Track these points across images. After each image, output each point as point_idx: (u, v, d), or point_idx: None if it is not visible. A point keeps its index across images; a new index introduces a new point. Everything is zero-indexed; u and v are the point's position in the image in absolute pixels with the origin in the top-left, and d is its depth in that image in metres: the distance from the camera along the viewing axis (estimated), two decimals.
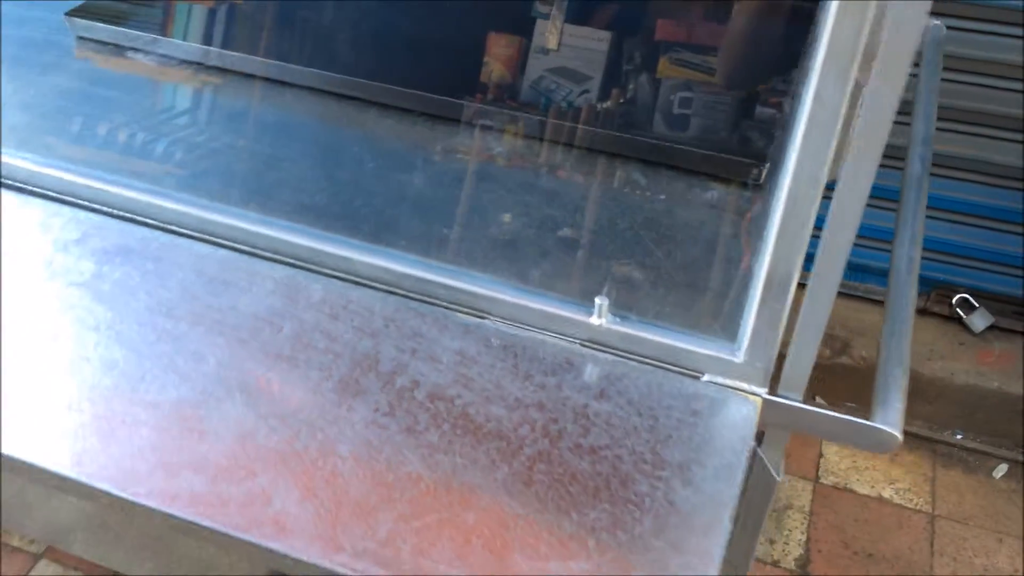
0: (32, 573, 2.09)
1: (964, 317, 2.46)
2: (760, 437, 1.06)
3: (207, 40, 1.48)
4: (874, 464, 2.39)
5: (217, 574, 1.49)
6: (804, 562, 2.17)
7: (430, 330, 1.06)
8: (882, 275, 2.46)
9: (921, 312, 2.53)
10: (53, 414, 0.93)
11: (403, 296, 1.09)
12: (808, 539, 2.22)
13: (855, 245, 2.51)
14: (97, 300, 1.06)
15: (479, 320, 1.08)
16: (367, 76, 1.38)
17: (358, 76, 1.39)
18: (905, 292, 1.16)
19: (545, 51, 1.37)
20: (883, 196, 2.28)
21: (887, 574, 2.15)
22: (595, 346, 1.05)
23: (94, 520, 1.80)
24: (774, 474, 1.07)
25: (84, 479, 0.87)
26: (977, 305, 2.44)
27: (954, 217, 2.36)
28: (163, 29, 1.51)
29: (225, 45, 1.47)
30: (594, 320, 1.03)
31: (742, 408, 0.99)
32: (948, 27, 1.90)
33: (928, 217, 2.30)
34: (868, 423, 0.97)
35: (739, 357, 0.99)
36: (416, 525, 0.86)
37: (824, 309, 0.91)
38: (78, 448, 0.90)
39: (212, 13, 1.51)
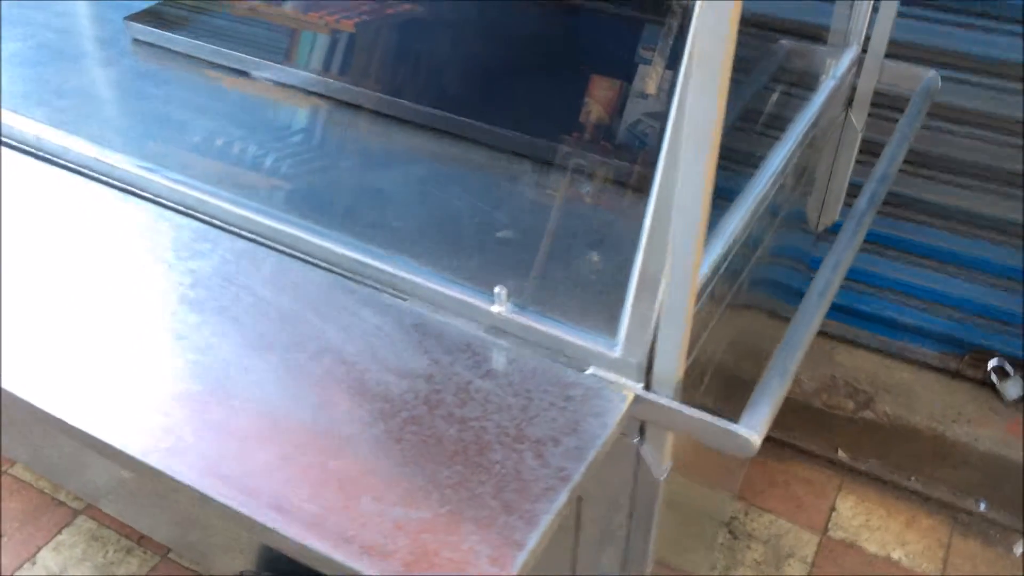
0: (73, 523, 2.30)
1: (997, 383, 2.40)
2: (643, 432, 1.12)
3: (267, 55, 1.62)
4: (888, 524, 2.35)
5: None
6: None
7: (356, 304, 1.18)
8: (919, 334, 2.44)
9: (954, 375, 2.48)
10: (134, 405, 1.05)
11: (339, 274, 1.22)
12: None
13: (890, 301, 2.55)
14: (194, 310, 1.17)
15: (401, 301, 1.19)
16: (432, 104, 1.46)
17: (428, 105, 1.47)
18: (812, 313, 1.20)
19: (644, 95, 1.44)
20: (922, 253, 2.28)
21: None
22: (496, 332, 1.14)
23: (127, 488, 1.98)
24: (654, 471, 1.13)
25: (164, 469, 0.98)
26: (1011, 372, 2.37)
27: (993, 280, 2.32)
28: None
29: (289, 62, 1.61)
30: (495, 308, 1.13)
31: (613, 400, 1.06)
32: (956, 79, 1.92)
33: (966, 279, 2.29)
34: (727, 427, 1.02)
35: (617, 352, 1.07)
36: (287, 464, 0.98)
37: (680, 311, 0.98)
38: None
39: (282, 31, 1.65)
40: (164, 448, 0.98)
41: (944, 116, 2.09)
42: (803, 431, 2.53)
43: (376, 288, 1.21)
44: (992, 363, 2.40)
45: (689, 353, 1.19)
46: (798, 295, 2.07)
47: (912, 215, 2.29)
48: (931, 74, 1.66)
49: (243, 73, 1.65)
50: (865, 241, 2.32)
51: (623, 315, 1.05)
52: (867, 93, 1.70)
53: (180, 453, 0.98)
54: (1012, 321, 2.33)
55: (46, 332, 1.13)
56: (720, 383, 1.52)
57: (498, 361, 1.11)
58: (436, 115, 1.45)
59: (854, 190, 2.24)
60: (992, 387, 2.42)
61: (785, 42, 1.65)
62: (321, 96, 1.56)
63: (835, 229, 2.32)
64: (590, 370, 1.10)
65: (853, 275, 2.46)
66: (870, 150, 2.14)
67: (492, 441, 1.01)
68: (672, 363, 1.03)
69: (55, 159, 1.45)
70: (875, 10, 1.61)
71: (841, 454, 2.50)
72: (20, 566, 2.20)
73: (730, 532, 2.32)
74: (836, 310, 2.55)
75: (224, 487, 0.95)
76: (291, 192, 1.36)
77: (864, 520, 2.36)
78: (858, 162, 1.87)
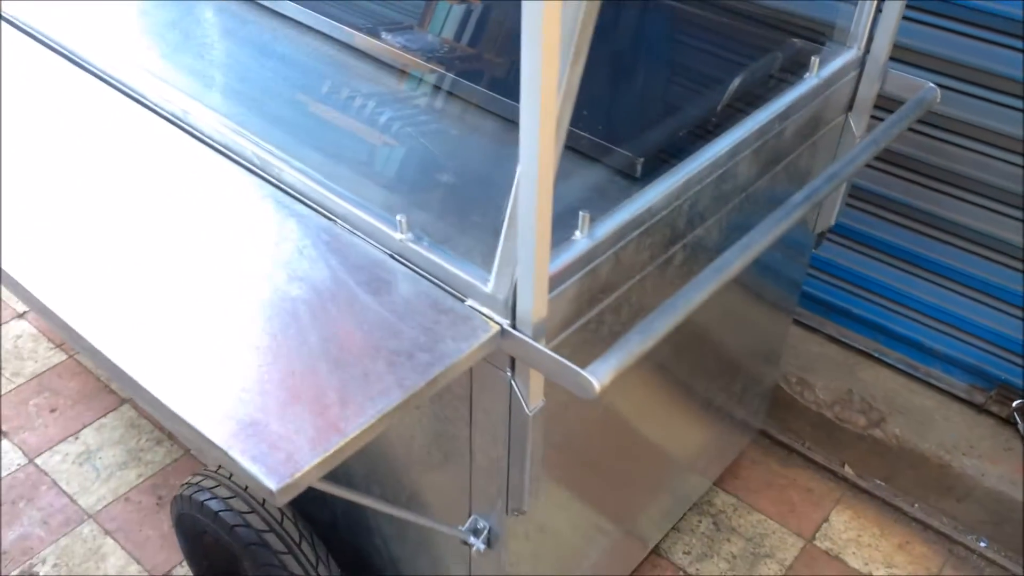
0: (117, 409, 2.57)
1: (1020, 423, 2.31)
2: (514, 368, 1.21)
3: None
4: (879, 543, 2.31)
5: None
6: None
7: (286, 218, 1.32)
8: (948, 362, 2.38)
9: (979, 408, 2.41)
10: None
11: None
12: None
13: (922, 324, 2.54)
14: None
15: (330, 221, 1.32)
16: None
17: None
18: (702, 284, 1.24)
19: None
20: (959, 280, 2.22)
21: None
22: (399, 257, 1.26)
23: None
24: (523, 405, 1.22)
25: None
26: None
27: None
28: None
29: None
30: (397, 235, 1.24)
31: (478, 330, 1.15)
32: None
33: (1004, 313, 2.22)
34: (573, 369, 1.10)
35: (488, 287, 1.16)
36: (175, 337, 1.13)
37: (530, 253, 1.05)
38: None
39: None
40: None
41: (992, 142, 2.03)
42: (812, 440, 2.52)
43: (311, 208, 1.35)
44: (1018, 402, 2.32)
45: (589, 305, 1.27)
46: (786, 283, 2.10)
47: (952, 239, 2.24)
48: (928, 86, 1.64)
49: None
50: (901, 259, 2.31)
51: (497, 254, 1.14)
52: (868, 98, 1.69)
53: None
54: None
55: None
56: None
57: (388, 282, 1.22)
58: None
59: (857, 193, 2.23)
60: (1015, 426, 2.33)
61: (779, 36, 1.67)
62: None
63: (838, 230, 2.31)
64: (468, 302, 1.19)
65: (886, 292, 2.42)
66: (882, 156, 2.11)
67: (354, 347, 1.12)
68: (529, 302, 1.11)
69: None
70: (879, 10, 1.61)
71: (847, 469, 2.47)
72: (64, 438, 2.48)
73: (713, 523, 2.35)
74: (865, 325, 2.51)
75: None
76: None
77: (855, 535, 2.33)
78: (868, 167, 1.85)
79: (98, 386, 2.63)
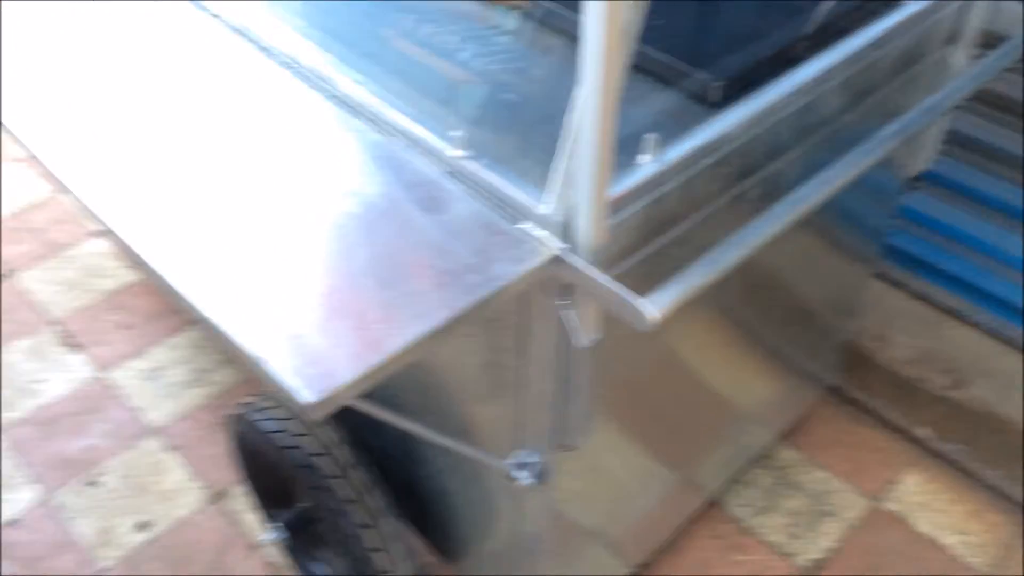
0: (185, 330, 2.60)
1: None
2: (569, 297, 1.15)
3: None
4: (950, 509, 2.21)
5: None
6: (818, 567, 2.10)
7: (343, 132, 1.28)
8: None
9: None
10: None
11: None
12: (835, 549, 2.13)
13: (1012, 282, 2.38)
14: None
15: (386, 137, 1.28)
16: None
17: None
18: (778, 216, 1.16)
19: None
20: None
21: None
22: (454, 176, 1.20)
23: None
24: (579, 336, 1.16)
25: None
26: None
27: None
28: None
29: None
30: (453, 152, 1.19)
31: (532, 254, 1.09)
32: None
33: None
34: (630, 297, 1.04)
35: (544, 209, 1.10)
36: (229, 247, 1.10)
37: (592, 173, 0.99)
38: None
39: None
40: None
41: None
42: (886, 399, 2.41)
43: (367, 122, 1.30)
44: None
45: (652, 236, 1.20)
46: (869, 234, 1.98)
47: None
48: None
49: None
50: (997, 212, 2.16)
51: (554, 176, 1.08)
52: (973, 31, 1.56)
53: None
54: None
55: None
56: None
57: (441, 200, 1.17)
58: None
59: (953, 138, 2.07)
60: None
61: None
62: None
63: (928, 177, 2.16)
64: (523, 224, 1.14)
65: (979, 247, 2.27)
66: (981, 97, 1.96)
67: (404, 264, 1.08)
68: (586, 226, 1.05)
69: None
70: None
71: (922, 431, 2.36)
72: (134, 355, 2.53)
73: (775, 478, 2.27)
74: (953, 282, 2.37)
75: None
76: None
77: (925, 500, 2.23)
78: (960, 108, 1.72)
79: (169, 307, 2.67)
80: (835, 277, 2.01)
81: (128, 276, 2.76)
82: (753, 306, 1.70)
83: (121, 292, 2.71)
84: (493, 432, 1.44)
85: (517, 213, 1.14)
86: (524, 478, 1.39)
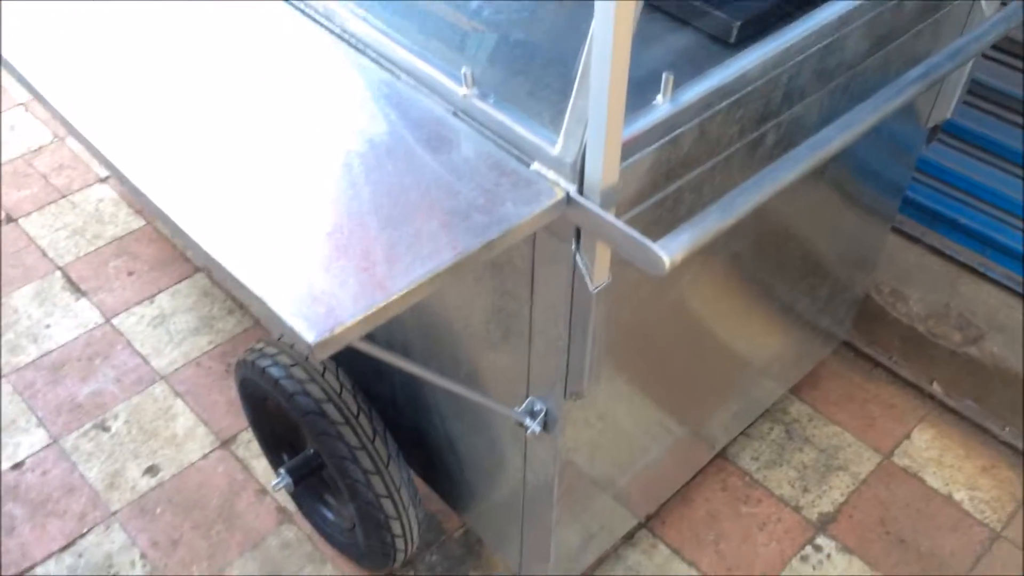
0: (192, 277, 2.59)
1: None
2: (579, 238, 1.12)
3: None
4: (962, 465, 2.19)
5: None
6: (827, 520, 2.09)
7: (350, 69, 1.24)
8: None
9: None
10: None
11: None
12: (845, 503, 2.12)
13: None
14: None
15: (392, 75, 1.24)
16: None
17: None
18: (796, 159, 1.12)
19: None
20: None
21: (910, 564, 2.01)
22: (461, 115, 1.17)
23: None
24: (587, 282, 1.13)
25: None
26: None
27: None
28: None
29: None
30: (461, 90, 1.15)
31: (542, 195, 1.06)
32: None
33: None
34: (643, 240, 1.00)
35: (555, 150, 1.06)
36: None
37: (603, 113, 0.95)
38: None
39: None
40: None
41: None
42: (900, 354, 2.38)
43: (373, 60, 1.26)
44: None
45: (666, 180, 1.17)
46: (888, 187, 1.93)
47: None
48: None
49: None
50: (1019, 166, 2.10)
51: (566, 116, 1.04)
52: None
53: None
54: None
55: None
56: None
57: (449, 140, 1.13)
58: None
59: (977, 89, 2.02)
60: None
61: None
62: None
63: (949, 128, 2.11)
64: (533, 165, 1.10)
65: (998, 201, 2.23)
66: (1005, 47, 1.90)
67: (407, 204, 1.05)
68: (598, 167, 1.01)
69: None
70: None
71: (935, 387, 2.33)
72: (140, 301, 2.51)
73: (786, 431, 2.26)
74: (971, 236, 2.33)
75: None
76: None
77: (937, 455, 2.21)
78: (984, 57, 1.66)
79: (174, 254, 2.65)
80: (852, 230, 1.97)
81: (133, 223, 2.74)
82: (767, 257, 1.67)
83: (126, 239, 2.69)
84: (502, 380, 1.42)
85: (527, 154, 1.11)
86: (532, 426, 1.37)
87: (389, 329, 1.59)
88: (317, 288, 0.95)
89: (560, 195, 1.06)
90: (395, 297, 0.95)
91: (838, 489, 2.15)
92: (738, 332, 1.79)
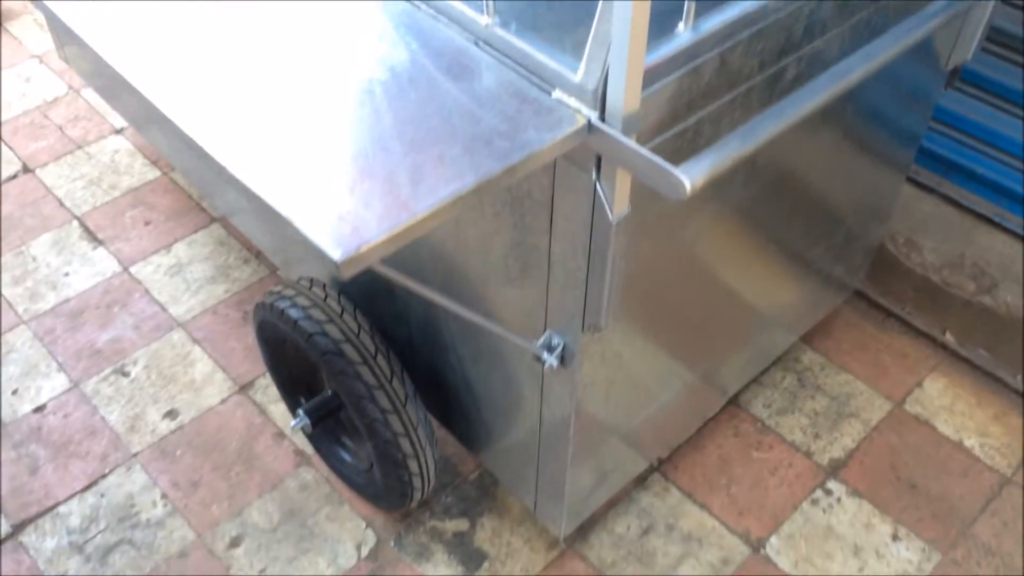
0: (208, 228, 2.60)
1: None
2: (599, 166, 1.13)
3: None
4: (973, 413, 2.21)
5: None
6: (838, 465, 2.11)
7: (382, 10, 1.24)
8: None
9: None
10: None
11: None
12: (856, 449, 2.14)
13: None
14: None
15: (412, 5, 1.24)
16: None
17: None
18: (818, 88, 1.12)
19: None
20: None
21: (920, 508, 2.03)
22: (483, 45, 1.17)
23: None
24: (607, 211, 1.14)
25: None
26: None
27: None
28: None
29: None
30: (482, 19, 1.15)
31: (564, 122, 1.07)
32: None
33: None
34: (664, 164, 1.01)
35: (577, 77, 1.07)
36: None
37: (625, 37, 0.95)
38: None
39: None
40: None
41: None
42: (913, 305, 2.39)
43: None
44: None
45: (686, 111, 1.17)
46: (903, 136, 1.93)
47: None
48: None
49: None
50: None
51: (588, 40, 1.04)
52: None
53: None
54: None
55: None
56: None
57: (470, 69, 1.14)
58: None
59: (995, 36, 2.00)
60: None
61: None
62: None
63: (966, 76, 2.09)
64: (554, 93, 1.11)
65: (1011, 148, 2.22)
66: None
67: (432, 129, 1.06)
68: (620, 93, 1.02)
69: None
70: None
71: (948, 336, 2.34)
72: (157, 251, 2.53)
73: (798, 379, 2.27)
74: (987, 186, 2.32)
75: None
76: None
77: (948, 403, 2.23)
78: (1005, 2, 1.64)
79: (190, 204, 2.66)
80: (867, 178, 1.97)
81: (149, 174, 2.75)
82: (782, 203, 1.67)
83: (142, 189, 2.70)
84: (520, 315, 1.44)
85: (548, 82, 1.12)
86: (550, 360, 1.39)
87: (407, 265, 1.60)
88: (343, 208, 0.97)
89: (582, 122, 1.07)
90: (419, 217, 0.96)
91: (849, 436, 2.16)
92: (751, 278, 1.80)
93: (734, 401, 2.21)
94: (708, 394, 2.04)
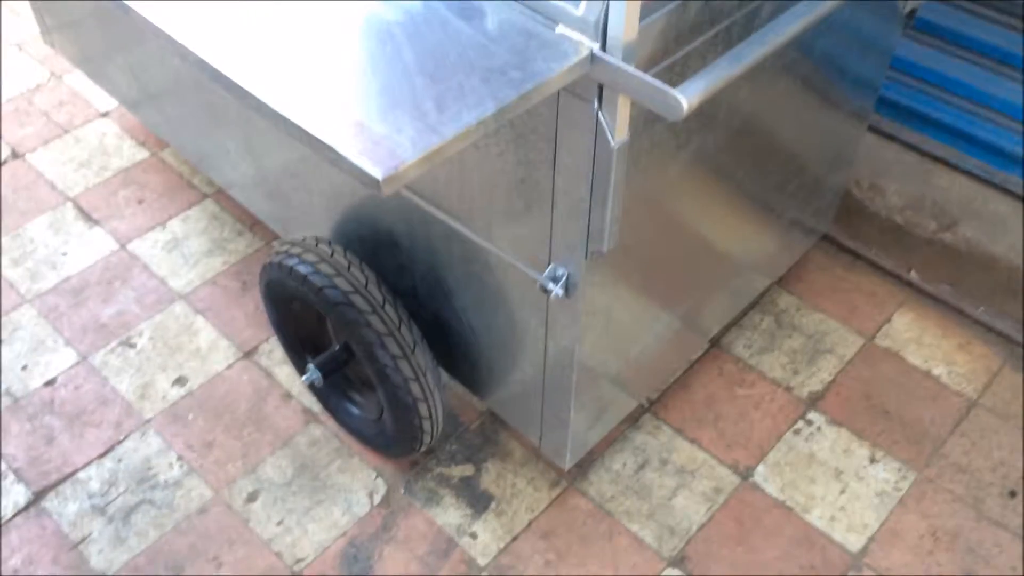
0: (200, 203, 2.67)
1: None
2: (601, 96, 1.24)
3: None
4: (940, 343, 2.35)
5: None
6: (816, 397, 2.24)
7: None
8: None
9: None
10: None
11: None
12: (832, 381, 2.28)
13: (1007, 128, 2.44)
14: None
15: None
16: None
17: None
18: (799, 14, 1.24)
19: None
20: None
21: (894, 432, 2.17)
22: None
23: (256, 180, 2.25)
24: (609, 138, 1.25)
25: None
26: None
27: None
28: None
29: None
30: None
31: (568, 53, 1.17)
32: None
33: None
34: (663, 86, 1.12)
35: (579, 10, 1.17)
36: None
37: None
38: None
39: None
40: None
41: None
42: (879, 246, 2.53)
43: None
44: None
45: (675, 45, 1.28)
46: (863, 85, 2.06)
47: None
48: None
49: None
50: (989, 58, 2.24)
51: None
52: None
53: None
54: None
55: None
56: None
57: (479, 10, 1.24)
58: None
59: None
60: None
61: None
62: None
63: (921, 25, 2.23)
64: (558, 28, 1.21)
65: (966, 93, 2.36)
66: None
67: (448, 64, 1.16)
68: (620, 22, 1.12)
69: None
70: None
71: (913, 274, 2.49)
72: (152, 227, 2.60)
73: (775, 320, 2.40)
74: (944, 130, 2.46)
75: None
76: None
77: (916, 335, 2.37)
78: None
79: (181, 182, 2.73)
80: (830, 126, 2.10)
81: (138, 154, 2.81)
82: (750, 152, 1.79)
83: (132, 169, 2.76)
84: (525, 250, 1.54)
85: (551, 18, 1.22)
86: (556, 290, 1.49)
87: (417, 211, 1.70)
88: (377, 134, 1.06)
89: (585, 52, 1.17)
90: (448, 139, 1.06)
91: (826, 370, 2.30)
92: (727, 221, 1.92)
93: (717, 344, 2.34)
94: (692, 335, 2.16)
